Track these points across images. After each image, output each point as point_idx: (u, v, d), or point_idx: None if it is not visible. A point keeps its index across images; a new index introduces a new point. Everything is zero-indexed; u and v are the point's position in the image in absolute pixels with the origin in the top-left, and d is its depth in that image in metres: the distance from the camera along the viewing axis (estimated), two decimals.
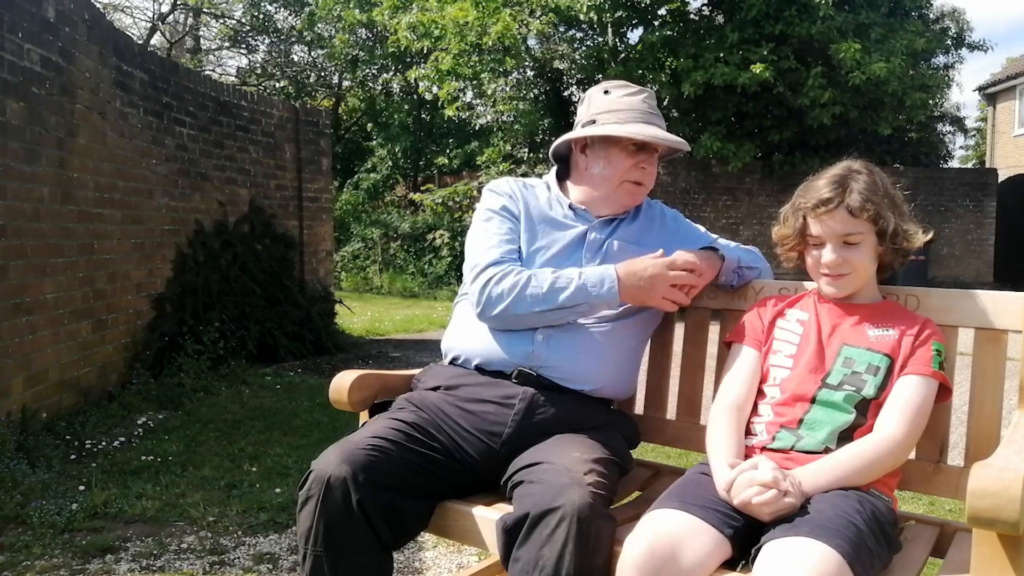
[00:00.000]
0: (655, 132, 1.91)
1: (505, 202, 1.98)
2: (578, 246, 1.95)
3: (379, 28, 16.99)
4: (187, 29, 21.15)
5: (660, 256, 1.86)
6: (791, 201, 1.75)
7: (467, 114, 15.18)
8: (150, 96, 5.44)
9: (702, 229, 2.08)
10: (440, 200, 14.57)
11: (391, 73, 19.36)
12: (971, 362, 1.75)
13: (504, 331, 1.87)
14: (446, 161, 18.37)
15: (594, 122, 1.95)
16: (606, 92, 1.99)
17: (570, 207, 1.99)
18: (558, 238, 1.95)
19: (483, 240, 1.93)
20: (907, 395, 1.60)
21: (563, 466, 1.60)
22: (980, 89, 21.33)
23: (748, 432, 1.69)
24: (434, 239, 14.15)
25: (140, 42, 12.10)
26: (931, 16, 13.22)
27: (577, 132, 1.99)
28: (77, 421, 4.17)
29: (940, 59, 14.12)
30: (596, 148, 1.97)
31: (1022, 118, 19.09)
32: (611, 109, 1.94)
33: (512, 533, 1.53)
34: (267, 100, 7.56)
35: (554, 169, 2.11)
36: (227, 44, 21.34)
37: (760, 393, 1.73)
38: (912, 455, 1.74)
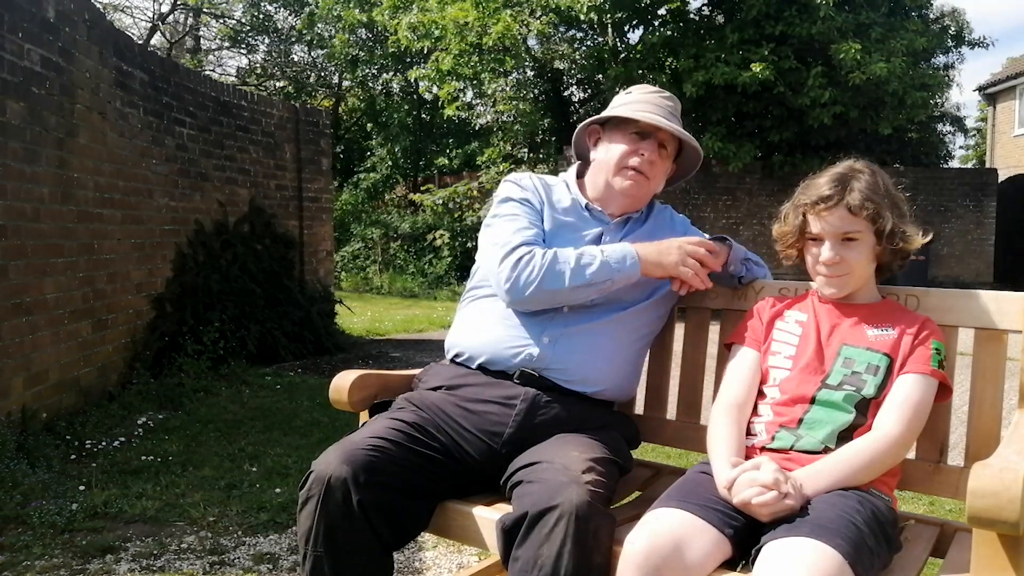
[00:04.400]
0: (657, 119, 1.92)
1: (528, 195, 1.99)
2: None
3: (379, 28, 16.99)
4: (187, 29, 21.16)
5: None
6: (792, 198, 1.76)
7: (467, 114, 15.21)
8: (150, 96, 5.44)
9: (707, 237, 2.09)
10: (440, 200, 14.57)
11: (391, 73, 19.37)
12: (971, 362, 1.75)
13: (510, 333, 1.86)
14: (446, 161, 18.38)
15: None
16: (628, 92, 2.04)
17: (586, 207, 2.00)
18: (574, 239, 1.95)
19: (510, 224, 1.93)
20: (905, 393, 1.60)
21: (561, 465, 1.60)
22: (980, 89, 21.33)
23: (748, 432, 1.69)
24: (434, 239, 14.15)
25: (140, 42, 12.09)
26: (931, 16, 13.23)
27: (587, 121, 2.04)
28: (77, 421, 4.16)
29: (940, 59, 14.14)
30: (605, 137, 2.01)
31: (1022, 118, 19.09)
32: (626, 103, 1.99)
33: (511, 533, 1.53)
34: (267, 100, 7.56)
35: (574, 167, 2.12)
36: (227, 44, 21.36)
37: (760, 393, 1.73)
38: (912, 455, 1.74)
